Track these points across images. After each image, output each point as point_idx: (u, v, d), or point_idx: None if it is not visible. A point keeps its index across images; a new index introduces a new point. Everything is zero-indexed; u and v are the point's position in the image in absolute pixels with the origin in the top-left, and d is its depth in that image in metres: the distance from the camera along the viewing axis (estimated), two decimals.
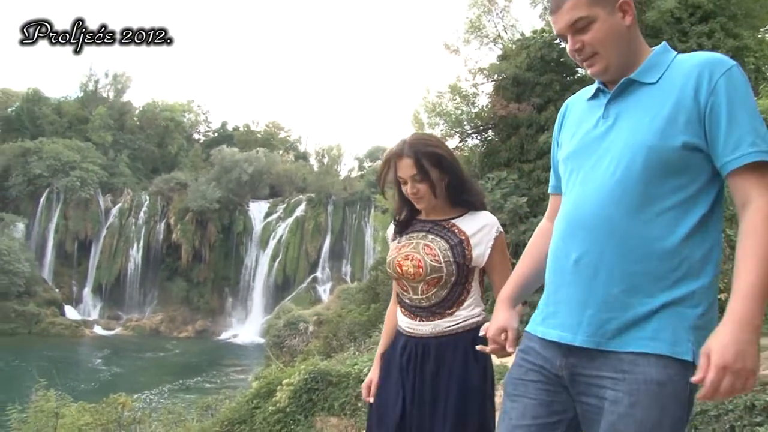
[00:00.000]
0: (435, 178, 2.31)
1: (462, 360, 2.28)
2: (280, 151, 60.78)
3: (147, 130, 56.23)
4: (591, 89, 1.80)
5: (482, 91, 17.57)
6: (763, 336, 2.23)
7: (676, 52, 1.69)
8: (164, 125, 57.05)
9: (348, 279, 46.94)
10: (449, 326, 2.31)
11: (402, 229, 2.47)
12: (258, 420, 7.37)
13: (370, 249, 48.54)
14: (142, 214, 50.06)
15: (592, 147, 1.70)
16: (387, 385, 2.42)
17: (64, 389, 10.42)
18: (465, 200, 2.38)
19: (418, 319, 2.36)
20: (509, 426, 1.74)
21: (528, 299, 2.02)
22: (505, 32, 18.93)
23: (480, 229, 2.34)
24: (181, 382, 28.79)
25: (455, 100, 17.43)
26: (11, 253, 40.10)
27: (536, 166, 14.68)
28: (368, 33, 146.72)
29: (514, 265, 2.05)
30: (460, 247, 2.31)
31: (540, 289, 1.84)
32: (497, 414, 1.90)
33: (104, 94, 57.08)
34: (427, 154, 2.30)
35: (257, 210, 51.86)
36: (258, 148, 55.14)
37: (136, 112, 57.58)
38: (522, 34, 18.06)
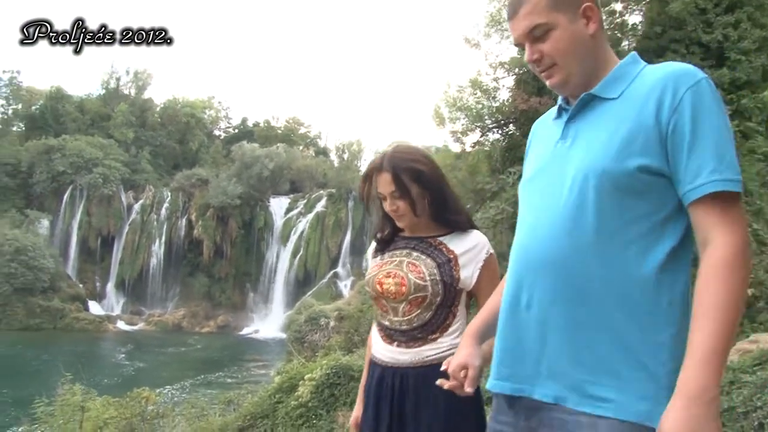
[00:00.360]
0: (415, 195, 2.12)
1: (446, 395, 1.96)
2: (301, 147, 60.96)
3: (168, 126, 56.65)
4: (555, 108, 1.63)
5: (503, 85, 17.43)
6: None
7: (645, 64, 1.51)
8: (185, 122, 57.42)
9: None
10: (431, 355, 2.06)
11: (384, 246, 2.28)
12: (280, 414, 7.39)
13: None
14: (163, 210, 50.49)
15: (548, 172, 1.52)
16: (364, 425, 2.20)
17: (88, 383, 10.53)
18: (448, 219, 2.18)
19: (396, 344, 2.13)
20: None
21: None
22: None
23: (470, 249, 2.14)
24: (202, 377, 29.00)
25: (476, 94, 17.35)
26: (36, 250, 40.70)
27: None
28: (389, 28, 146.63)
29: None
30: (448, 266, 2.11)
31: None
32: None
33: (126, 92, 57.66)
34: (407, 170, 2.10)
35: (278, 206, 52.06)
36: (278, 144, 55.31)
37: (158, 109, 58.03)
38: None
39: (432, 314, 2.08)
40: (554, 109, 1.63)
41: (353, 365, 7.57)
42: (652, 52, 10.58)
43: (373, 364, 2.20)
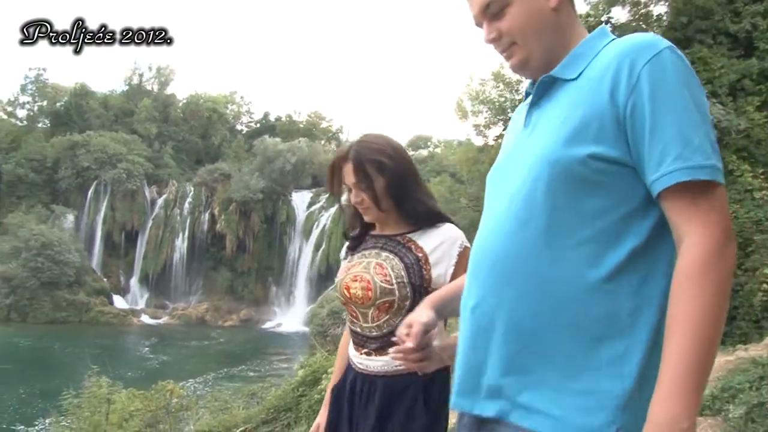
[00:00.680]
0: (379, 188, 1.99)
1: (408, 407, 1.91)
2: (322, 141, 61.01)
3: (191, 121, 57.00)
4: None
5: (525, 78, 17.36)
6: None
7: (612, 38, 1.31)
8: (207, 117, 57.72)
9: None
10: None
11: (356, 245, 2.15)
12: (303, 408, 7.40)
13: None
14: (186, 204, 50.85)
15: (508, 163, 1.37)
16: (340, 427, 2.08)
17: (114, 376, 10.65)
18: (416, 214, 2.04)
19: (366, 351, 2.02)
20: None
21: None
22: None
23: (440, 244, 1.99)
24: (225, 370, 29.20)
25: (498, 87, 17.26)
26: (62, 244, 41.23)
27: None
28: (410, 21, 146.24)
29: None
30: (417, 266, 1.96)
31: None
32: None
33: (149, 87, 58.20)
34: (371, 161, 1.98)
35: (300, 200, 52.20)
36: (300, 138, 55.42)
37: (180, 104, 58.40)
38: None
39: (402, 319, 1.82)
40: None
41: None
42: (677, 43, 10.36)
43: (349, 366, 2.11)
